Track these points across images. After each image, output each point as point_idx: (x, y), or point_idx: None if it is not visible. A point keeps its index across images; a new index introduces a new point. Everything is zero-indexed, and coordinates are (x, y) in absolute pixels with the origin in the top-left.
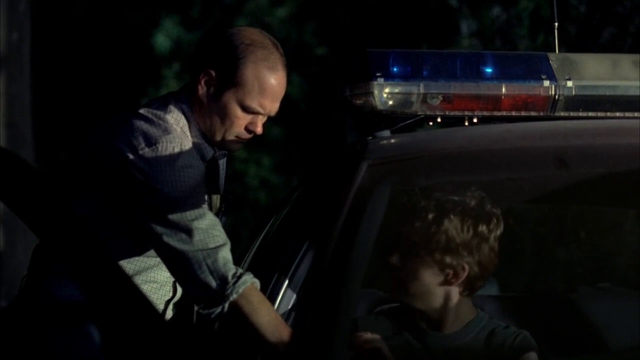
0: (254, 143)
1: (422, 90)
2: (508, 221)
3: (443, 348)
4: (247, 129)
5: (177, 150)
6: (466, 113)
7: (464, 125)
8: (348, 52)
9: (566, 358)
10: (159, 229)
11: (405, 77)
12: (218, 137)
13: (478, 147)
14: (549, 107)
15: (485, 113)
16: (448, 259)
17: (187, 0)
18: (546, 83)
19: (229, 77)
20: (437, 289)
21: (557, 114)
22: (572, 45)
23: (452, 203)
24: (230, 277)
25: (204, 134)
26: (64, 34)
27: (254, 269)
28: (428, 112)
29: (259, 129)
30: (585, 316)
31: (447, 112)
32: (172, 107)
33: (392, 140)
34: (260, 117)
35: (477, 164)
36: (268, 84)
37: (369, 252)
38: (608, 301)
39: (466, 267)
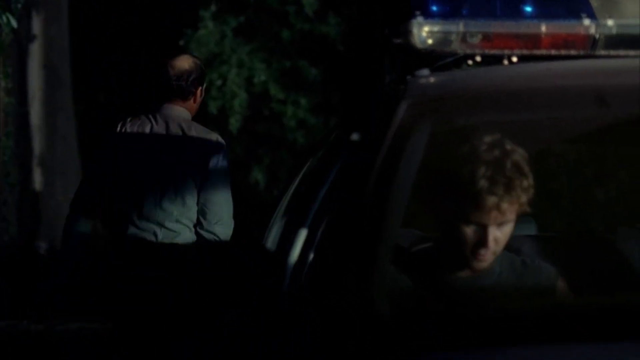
0: (292, 84)
1: (461, 28)
2: (548, 161)
3: (477, 288)
4: None
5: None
6: (506, 52)
7: (504, 64)
8: None
9: (604, 297)
10: None
11: (444, 15)
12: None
13: (518, 85)
14: (589, 45)
15: (525, 52)
16: (489, 200)
17: None
18: (586, 22)
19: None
20: (472, 228)
21: (597, 52)
22: None
23: (487, 146)
24: None
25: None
26: None
27: (292, 210)
28: (467, 51)
29: None
30: (624, 256)
31: (486, 51)
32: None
33: (432, 79)
34: None
35: (517, 102)
36: None
37: (409, 191)
38: None
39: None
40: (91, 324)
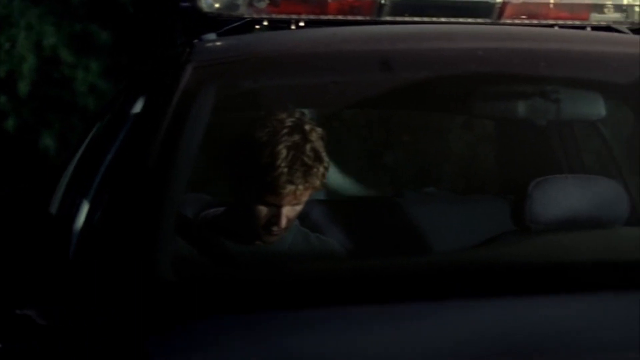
0: (82, 48)
1: None
2: (334, 125)
3: (266, 255)
4: None
5: None
6: (293, 16)
7: (291, 28)
8: None
9: (391, 260)
10: None
11: None
12: None
13: (304, 50)
14: (375, 11)
15: (312, 17)
16: (287, 188)
17: None
18: None
19: None
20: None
21: (383, 18)
22: None
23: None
24: None
25: None
26: None
27: (78, 176)
28: (254, 15)
29: None
30: (411, 220)
31: (273, 16)
32: None
33: (218, 43)
34: None
35: (303, 67)
36: None
37: (194, 155)
38: (433, 205)
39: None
40: None
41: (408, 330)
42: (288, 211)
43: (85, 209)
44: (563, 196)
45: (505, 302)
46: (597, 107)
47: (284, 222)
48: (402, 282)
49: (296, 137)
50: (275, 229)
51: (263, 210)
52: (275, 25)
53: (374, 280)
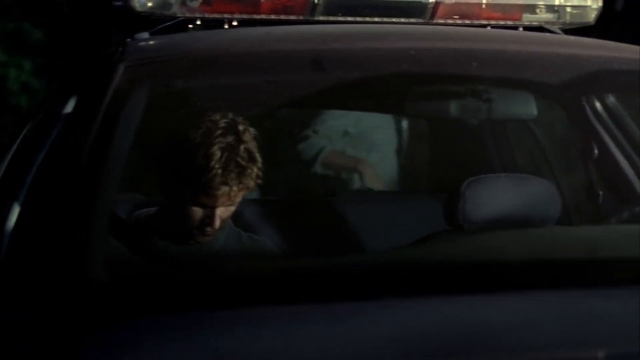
0: (15, 46)
1: None
2: (265, 124)
3: (199, 255)
4: None
5: None
6: (226, 16)
7: (224, 28)
8: None
9: (324, 259)
10: None
11: None
12: None
13: (237, 49)
14: (309, 11)
15: (245, 16)
16: (221, 190)
17: None
18: None
19: None
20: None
21: (316, 18)
22: None
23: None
24: None
25: None
26: None
27: (9, 176)
28: (187, 15)
29: None
30: (344, 219)
31: (206, 15)
32: None
33: (151, 42)
34: None
35: (236, 66)
36: None
37: (126, 155)
38: (366, 204)
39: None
40: None
41: (341, 330)
42: (222, 212)
43: (17, 208)
44: (495, 195)
45: (437, 301)
46: (529, 107)
47: (217, 222)
48: (335, 281)
49: (230, 138)
50: (208, 229)
51: (197, 211)
52: (208, 24)
53: (307, 279)
